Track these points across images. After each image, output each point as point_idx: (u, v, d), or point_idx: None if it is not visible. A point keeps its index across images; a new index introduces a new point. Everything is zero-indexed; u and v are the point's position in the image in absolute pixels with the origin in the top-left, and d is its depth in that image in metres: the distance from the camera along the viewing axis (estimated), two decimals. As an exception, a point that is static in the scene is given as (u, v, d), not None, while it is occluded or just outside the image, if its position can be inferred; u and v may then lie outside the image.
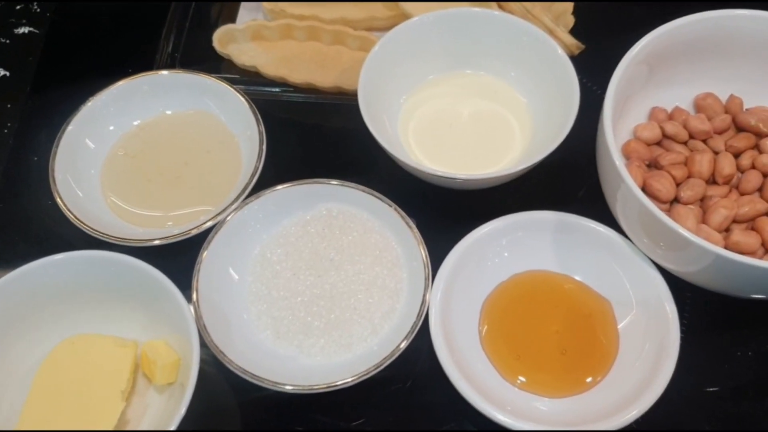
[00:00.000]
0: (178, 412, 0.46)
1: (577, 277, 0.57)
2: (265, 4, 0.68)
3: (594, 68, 0.60)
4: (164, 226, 0.59)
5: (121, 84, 0.62)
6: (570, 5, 0.68)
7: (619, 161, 0.52)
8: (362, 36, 0.67)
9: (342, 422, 0.54)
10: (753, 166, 0.58)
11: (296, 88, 0.66)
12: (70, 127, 0.60)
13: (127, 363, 0.51)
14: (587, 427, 0.49)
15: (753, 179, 0.57)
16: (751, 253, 0.54)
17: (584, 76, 0.61)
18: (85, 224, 0.56)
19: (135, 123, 0.63)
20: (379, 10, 0.68)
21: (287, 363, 0.53)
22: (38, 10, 0.74)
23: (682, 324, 0.53)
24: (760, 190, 0.57)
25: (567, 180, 0.63)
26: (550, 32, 0.64)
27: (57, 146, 0.59)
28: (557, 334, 0.54)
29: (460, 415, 0.53)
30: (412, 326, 0.51)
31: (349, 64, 0.66)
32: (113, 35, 0.73)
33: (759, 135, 0.59)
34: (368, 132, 0.56)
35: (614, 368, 0.53)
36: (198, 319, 0.51)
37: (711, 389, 0.56)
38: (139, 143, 0.63)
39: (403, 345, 0.51)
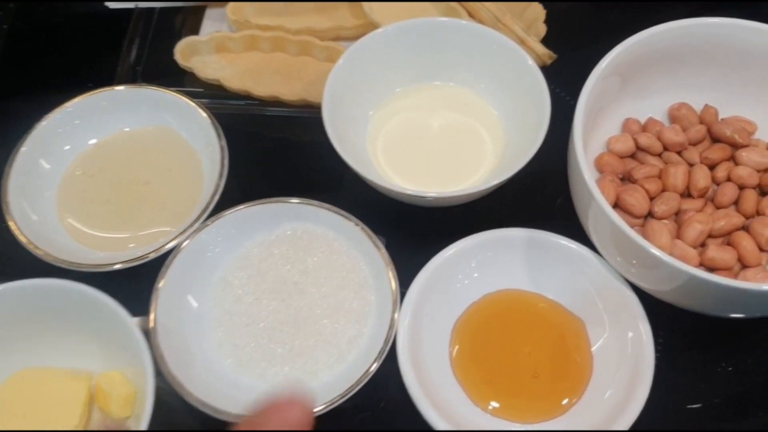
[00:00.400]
0: (133, 448, 0.45)
1: (549, 296, 0.55)
2: (229, 14, 0.66)
3: (567, 77, 0.58)
4: (125, 248, 0.57)
5: (77, 101, 0.60)
6: (542, 13, 0.66)
7: (589, 178, 0.50)
8: (329, 46, 0.65)
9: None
10: (728, 179, 0.57)
11: (261, 101, 0.64)
12: (23, 148, 0.58)
13: (81, 397, 0.49)
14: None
15: (728, 192, 0.56)
16: (727, 269, 0.53)
17: (557, 86, 0.60)
18: (39, 249, 0.54)
19: (93, 141, 0.61)
20: (346, 19, 0.66)
21: (250, 393, 0.51)
22: (-5, 22, 0.72)
23: (657, 343, 0.52)
24: (735, 203, 0.56)
25: (540, 193, 0.61)
26: (521, 42, 0.63)
27: (9, 167, 0.57)
28: (530, 356, 0.53)
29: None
30: (380, 352, 0.50)
31: (316, 75, 0.64)
32: (73, 47, 0.71)
33: (734, 146, 0.58)
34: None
35: (588, 390, 0.52)
36: (155, 348, 0.49)
37: (689, 408, 0.54)
38: (97, 162, 0.60)
39: (372, 370, 0.49)
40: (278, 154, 0.64)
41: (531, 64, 0.58)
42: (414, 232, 0.59)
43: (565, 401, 0.52)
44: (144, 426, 0.45)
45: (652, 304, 0.53)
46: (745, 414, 0.54)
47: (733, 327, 0.56)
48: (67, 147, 0.60)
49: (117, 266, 0.53)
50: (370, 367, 0.49)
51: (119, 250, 0.57)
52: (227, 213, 0.55)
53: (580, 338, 0.54)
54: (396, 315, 0.51)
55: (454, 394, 0.52)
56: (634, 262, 0.51)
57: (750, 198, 0.55)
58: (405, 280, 0.53)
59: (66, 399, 0.49)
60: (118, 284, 0.52)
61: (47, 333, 0.51)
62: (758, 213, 0.55)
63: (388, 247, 0.54)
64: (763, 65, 0.58)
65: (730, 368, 0.56)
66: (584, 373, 0.52)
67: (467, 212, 0.58)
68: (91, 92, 0.60)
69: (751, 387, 0.55)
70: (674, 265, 0.47)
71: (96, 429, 0.50)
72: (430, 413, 0.48)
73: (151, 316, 0.51)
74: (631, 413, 0.48)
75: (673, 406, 0.54)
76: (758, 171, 0.56)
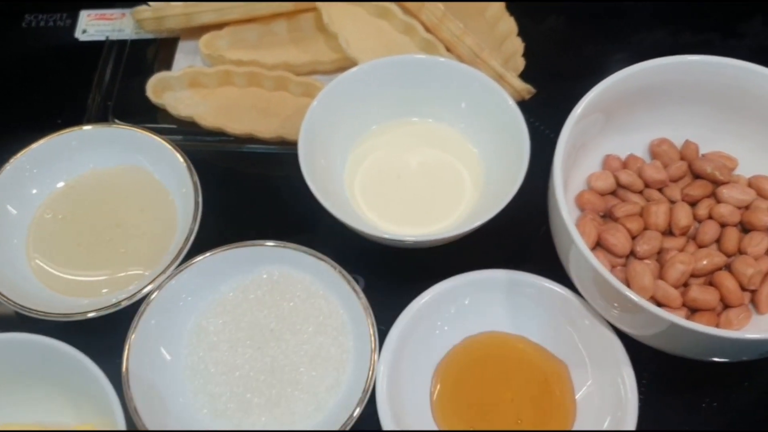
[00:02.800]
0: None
1: (532, 338, 0.54)
2: (202, 48, 0.65)
3: (547, 111, 0.58)
4: (97, 292, 0.55)
5: (44, 142, 0.59)
6: (520, 47, 0.65)
7: (569, 221, 0.49)
8: (306, 81, 0.64)
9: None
10: (710, 216, 0.56)
11: (237, 138, 0.63)
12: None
13: (52, 454, 0.48)
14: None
15: (710, 231, 0.55)
16: (709, 310, 0.52)
17: (537, 120, 0.59)
18: (7, 298, 0.52)
19: (61, 183, 0.60)
20: (323, 53, 0.65)
21: (226, 445, 0.50)
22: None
23: (641, 385, 0.51)
24: (717, 241, 0.55)
25: (522, 231, 0.60)
26: (500, 77, 0.62)
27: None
28: (512, 401, 0.52)
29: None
30: (359, 401, 0.49)
31: (292, 111, 0.63)
32: (42, 81, 0.69)
33: (715, 183, 0.57)
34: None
35: (572, 435, 0.51)
36: (128, 401, 0.48)
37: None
38: (67, 204, 0.59)
39: (356, 415, 0.48)
40: (254, 193, 0.63)
41: (510, 103, 0.57)
42: (393, 272, 0.58)
43: (546, 448, 0.51)
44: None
45: (635, 346, 0.52)
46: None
47: (717, 367, 0.56)
48: (35, 190, 0.59)
49: (90, 315, 0.52)
50: (353, 412, 0.48)
51: (90, 294, 0.55)
52: (200, 258, 0.54)
53: (563, 382, 0.53)
54: (375, 360, 0.50)
55: (435, 441, 0.51)
56: (616, 305, 0.50)
57: (732, 236, 0.55)
58: (384, 321, 0.52)
59: (36, 457, 0.48)
60: (88, 333, 0.50)
61: (16, 388, 0.50)
62: (740, 251, 0.55)
63: (366, 289, 0.53)
64: (742, 101, 0.58)
65: (715, 404, 0.55)
66: (568, 418, 0.52)
67: (447, 252, 0.57)
68: (59, 132, 0.59)
69: (736, 430, 0.55)
70: (655, 312, 0.46)
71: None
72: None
73: (123, 368, 0.49)
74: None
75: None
76: (739, 208, 0.56)
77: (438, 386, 0.53)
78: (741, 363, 0.56)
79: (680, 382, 0.56)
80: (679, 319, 0.46)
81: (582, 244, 0.49)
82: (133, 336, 0.51)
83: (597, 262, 0.48)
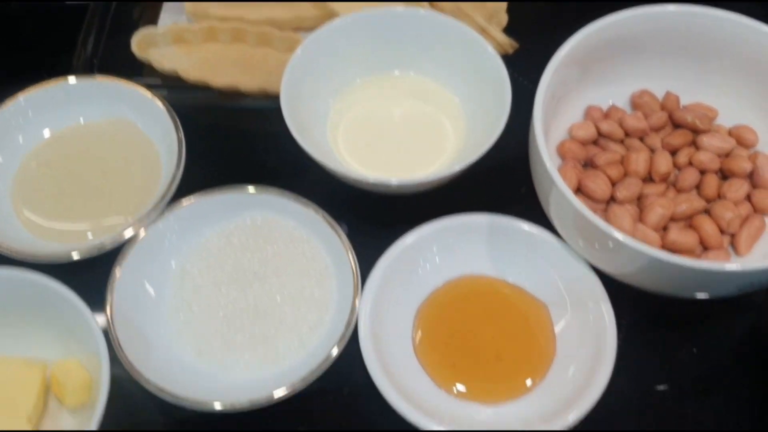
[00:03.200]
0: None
1: (511, 281, 0.55)
2: (187, 5, 0.65)
3: (530, 66, 0.58)
4: (83, 239, 0.56)
5: (30, 93, 0.59)
6: (503, 3, 0.66)
7: (550, 164, 0.50)
8: (289, 37, 0.64)
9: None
10: (690, 163, 0.57)
11: (220, 93, 0.64)
12: (-26, 142, 0.57)
13: (35, 385, 0.48)
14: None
15: (690, 176, 0.56)
16: (689, 252, 0.53)
17: (520, 75, 0.60)
18: (-6, 241, 0.52)
19: (47, 133, 0.60)
20: (307, 9, 0.66)
21: (210, 381, 0.50)
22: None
23: (620, 325, 0.52)
24: (697, 187, 0.56)
25: (503, 181, 0.61)
26: (483, 31, 0.62)
27: (-39, 161, 0.56)
28: (492, 339, 0.53)
29: (398, 423, 0.50)
30: (341, 336, 0.49)
31: (275, 65, 0.63)
32: (27, 41, 0.69)
33: (696, 131, 0.58)
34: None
35: (552, 371, 0.52)
36: (112, 336, 0.48)
37: (652, 389, 0.54)
38: (52, 154, 0.59)
39: (334, 354, 0.48)
40: (237, 144, 0.63)
41: (492, 52, 0.58)
42: (375, 219, 0.59)
43: (528, 382, 0.51)
44: (99, 413, 0.44)
45: (614, 288, 0.53)
46: (708, 394, 0.54)
47: (694, 309, 0.56)
48: (21, 140, 0.59)
49: (73, 256, 0.52)
50: (331, 351, 0.49)
51: (76, 240, 0.56)
52: (185, 202, 0.54)
53: (542, 321, 0.53)
54: (357, 301, 0.51)
55: (418, 378, 0.51)
56: (597, 245, 0.51)
57: (711, 182, 0.56)
58: (366, 267, 0.53)
59: (20, 388, 0.48)
60: (74, 275, 0.51)
61: (3, 322, 0.50)
62: (719, 196, 0.55)
63: (349, 236, 0.54)
64: (723, 53, 0.59)
65: (695, 349, 0.56)
66: (547, 355, 0.52)
67: (429, 200, 0.58)
68: (45, 83, 0.59)
69: (715, 368, 0.55)
70: (636, 248, 0.47)
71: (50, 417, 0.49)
72: (392, 396, 0.48)
73: (108, 304, 0.50)
74: (594, 392, 0.48)
75: (638, 388, 0.54)
76: (719, 156, 0.57)
77: (420, 326, 0.53)
78: (720, 306, 0.56)
79: (658, 323, 0.56)
80: (659, 252, 0.47)
81: (563, 185, 0.49)
82: (119, 272, 0.51)
83: (578, 202, 0.49)
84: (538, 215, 0.55)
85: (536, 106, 0.53)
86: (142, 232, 0.53)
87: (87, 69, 0.65)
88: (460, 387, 0.51)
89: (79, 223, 0.57)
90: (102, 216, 0.57)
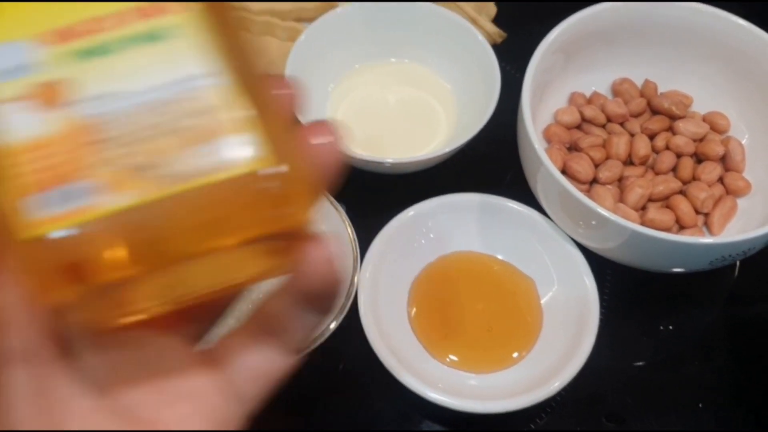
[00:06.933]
0: None
1: (500, 257, 0.58)
2: (191, -5, 0.68)
3: (517, 55, 0.61)
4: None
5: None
6: (493, -6, 0.70)
7: (537, 144, 0.53)
8: (291, 26, 0.67)
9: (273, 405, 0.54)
10: (667, 147, 0.60)
11: (223, 78, 0.66)
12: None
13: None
14: (514, 399, 0.50)
15: (667, 159, 0.59)
16: (666, 229, 0.56)
17: (507, 63, 0.63)
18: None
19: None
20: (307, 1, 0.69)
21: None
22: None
23: (602, 301, 0.55)
24: (674, 169, 0.60)
25: (492, 164, 0.64)
26: (473, 21, 0.66)
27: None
28: (483, 312, 0.56)
29: (394, 394, 0.53)
30: (341, 307, 0.52)
31: (278, 54, 0.66)
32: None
33: (672, 117, 0.61)
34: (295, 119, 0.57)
35: (538, 343, 0.55)
36: None
37: (631, 362, 0.58)
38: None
39: (332, 326, 0.51)
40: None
41: (482, 41, 0.62)
42: (370, 199, 0.61)
43: (515, 354, 0.55)
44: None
45: (598, 264, 0.56)
46: (680, 368, 0.58)
47: (674, 286, 0.60)
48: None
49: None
50: (331, 322, 0.51)
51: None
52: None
53: (530, 295, 0.57)
54: (356, 276, 0.54)
55: (413, 348, 0.54)
56: (581, 222, 0.54)
57: (687, 165, 0.59)
58: (364, 244, 0.55)
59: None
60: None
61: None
62: (694, 178, 0.59)
63: (347, 214, 0.56)
64: (698, 43, 0.62)
65: (671, 326, 0.59)
66: (535, 327, 0.55)
67: (423, 180, 0.61)
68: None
69: (689, 342, 0.59)
70: (619, 223, 0.51)
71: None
72: (392, 364, 0.51)
73: None
74: (576, 364, 0.51)
75: (614, 360, 0.57)
76: (694, 140, 0.60)
77: (414, 300, 0.56)
78: (699, 284, 0.60)
79: (640, 299, 0.60)
80: (639, 227, 0.50)
81: (550, 165, 0.53)
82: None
83: (565, 181, 0.52)
84: (525, 195, 0.58)
85: (524, 91, 0.56)
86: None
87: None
88: (453, 357, 0.55)
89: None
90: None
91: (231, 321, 0.34)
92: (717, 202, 0.58)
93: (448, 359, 0.54)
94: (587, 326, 0.53)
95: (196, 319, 0.30)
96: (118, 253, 0.22)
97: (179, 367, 0.28)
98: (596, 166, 0.59)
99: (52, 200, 0.21)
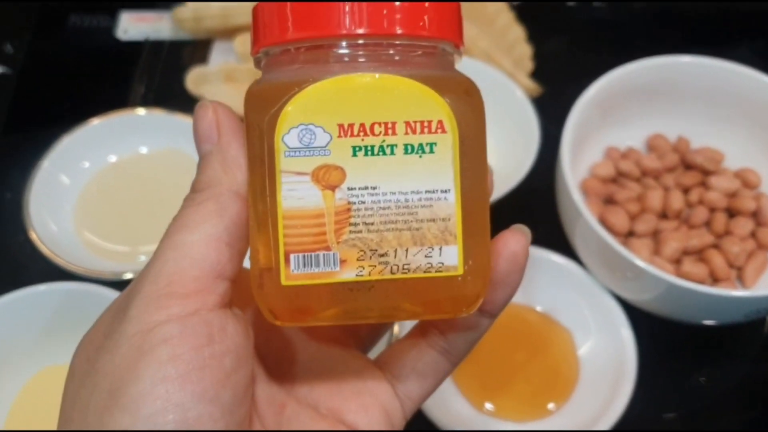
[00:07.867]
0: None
1: (539, 308, 0.59)
2: (237, 47, 0.71)
3: (551, 111, 0.63)
4: (137, 262, 0.60)
5: (96, 122, 0.64)
6: (529, 51, 0.72)
7: (577, 197, 0.55)
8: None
9: None
10: (700, 202, 0.61)
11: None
12: (45, 163, 0.61)
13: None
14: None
15: (701, 214, 0.61)
16: (700, 282, 0.57)
17: (542, 118, 0.64)
18: (59, 257, 0.57)
19: (111, 160, 0.65)
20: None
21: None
22: (11, 51, 0.76)
23: (639, 349, 0.55)
24: (707, 223, 0.61)
25: (529, 216, 0.65)
26: (511, 75, 0.68)
27: (32, 181, 0.60)
28: (521, 363, 0.57)
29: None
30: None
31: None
32: (86, 77, 0.74)
33: (705, 173, 0.63)
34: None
35: (575, 394, 0.56)
36: None
37: (667, 414, 0.58)
38: (113, 180, 0.64)
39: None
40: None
41: (521, 95, 0.63)
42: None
43: (551, 405, 0.55)
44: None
45: (634, 315, 0.57)
46: (715, 420, 0.58)
47: (706, 337, 0.61)
48: (87, 164, 0.64)
49: (129, 275, 0.56)
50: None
51: (130, 261, 0.60)
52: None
53: (567, 346, 0.57)
54: (396, 327, 0.55)
55: (452, 396, 0.55)
56: (618, 273, 0.55)
57: (720, 219, 0.60)
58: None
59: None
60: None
61: (69, 333, 0.54)
62: (727, 233, 0.60)
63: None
64: (729, 101, 0.64)
65: (703, 378, 0.60)
66: (571, 378, 0.56)
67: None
68: (108, 114, 0.64)
69: (723, 394, 0.59)
70: (655, 274, 0.52)
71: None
72: (437, 415, 0.52)
73: None
74: (612, 416, 0.52)
75: (651, 411, 0.57)
76: (726, 195, 0.61)
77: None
78: (731, 336, 0.61)
79: (674, 350, 0.61)
80: (676, 279, 0.51)
81: (590, 216, 0.54)
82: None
83: (604, 232, 0.53)
84: (561, 247, 0.59)
85: (563, 145, 0.58)
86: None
87: (143, 103, 0.70)
88: (489, 406, 0.55)
89: (134, 245, 0.61)
90: (155, 242, 0.61)
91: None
92: (750, 256, 0.59)
93: (485, 407, 0.55)
94: (624, 378, 0.54)
95: (369, 336, 0.36)
96: (331, 313, 0.28)
97: (359, 371, 0.33)
98: (631, 218, 0.60)
99: (308, 261, 0.27)
